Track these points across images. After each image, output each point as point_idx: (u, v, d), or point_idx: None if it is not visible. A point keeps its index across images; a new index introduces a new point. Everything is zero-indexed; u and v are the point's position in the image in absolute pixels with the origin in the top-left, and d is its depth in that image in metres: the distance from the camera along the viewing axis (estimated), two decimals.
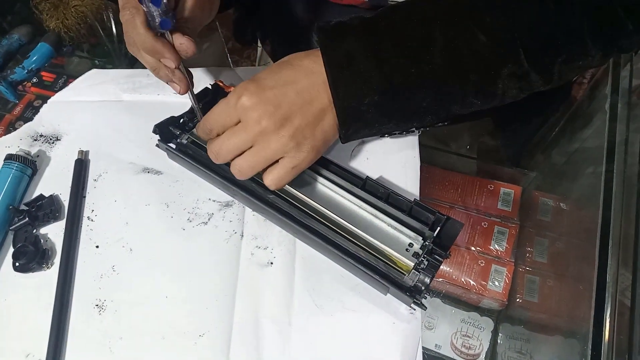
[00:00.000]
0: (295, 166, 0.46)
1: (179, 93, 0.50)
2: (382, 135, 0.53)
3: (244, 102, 0.44)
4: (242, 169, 0.46)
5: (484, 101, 0.46)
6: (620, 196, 0.56)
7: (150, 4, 0.42)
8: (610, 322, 0.49)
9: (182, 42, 0.47)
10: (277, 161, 0.46)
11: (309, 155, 0.46)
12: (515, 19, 0.43)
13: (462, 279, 0.74)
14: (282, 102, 0.45)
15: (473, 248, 0.76)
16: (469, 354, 0.72)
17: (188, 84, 0.50)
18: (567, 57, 0.45)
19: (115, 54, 0.87)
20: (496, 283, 0.72)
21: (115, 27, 0.86)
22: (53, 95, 0.65)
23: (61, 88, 0.70)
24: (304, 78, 0.46)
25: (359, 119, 0.46)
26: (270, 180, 0.47)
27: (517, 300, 0.73)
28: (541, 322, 0.72)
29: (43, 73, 0.74)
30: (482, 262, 0.74)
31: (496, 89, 0.45)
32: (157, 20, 0.44)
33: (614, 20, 0.44)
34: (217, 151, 0.46)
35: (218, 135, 0.47)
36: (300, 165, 0.46)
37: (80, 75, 0.68)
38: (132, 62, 0.89)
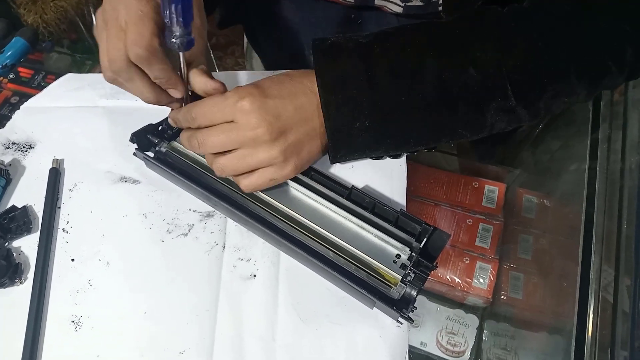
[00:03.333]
0: (274, 179, 0.47)
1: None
2: (372, 158, 0.53)
3: (245, 105, 0.44)
4: (224, 169, 0.47)
5: (472, 133, 0.48)
6: (603, 193, 0.56)
7: (180, 25, 0.41)
8: (593, 317, 0.49)
9: (215, 87, 0.46)
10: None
11: (290, 172, 0.47)
12: (505, 55, 0.44)
13: (447, 277, 0.73)
14: (282, 114, 0.45)
15: (458, 245, 0.75)
16: (454, 351, 0.73)
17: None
18: (554, 94, 0.46)
19: (96, 50, 0.84)
20: (481, 280, 0.72)
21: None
22: (30, 91, 0.63)
23: (39, 84, 0.67)
24: (303, 95, 0.46)
25: (349, 143, 0.47)
26: (246, 185, 0.47)
27: (502, 297, 0.73)
28: (526, 318, 0.72)
29: (20, 69, 0.71)
30: (467, 260, 0.74)
31: (485, 122, 0.46)
32: (182, 40, 0.42)
33: (599, 62, 0.46)
34: (202, 141, 0.46)
35: (199, 126, 0.47)
36: (278, 179, 0.47)
37: (59, 71, 0.65)
38: None
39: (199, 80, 0.46)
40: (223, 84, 0.47)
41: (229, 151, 0.46)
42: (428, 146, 0.49)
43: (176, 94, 0.47)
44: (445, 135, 0.48)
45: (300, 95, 0.46)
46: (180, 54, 0.44)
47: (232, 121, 0.45)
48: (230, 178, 0.50)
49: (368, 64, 0.45)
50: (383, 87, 0.44)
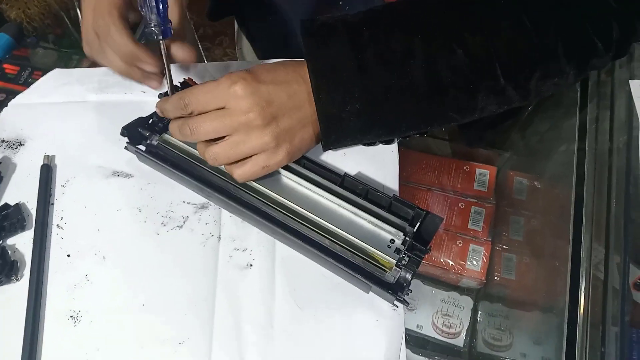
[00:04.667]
0: (266, 166, 0.47)
1: (154, 88, 0.49)
2: (365, 145, 0.54)
3: (237, 90, 0.44)
4: (217, 157, 0.46)
5: (463, 116, 0.48)
6: (592, 173, 0.57)
7: (155, 14, 0.41)
8: (584, 295, 0.50)
9: (184, 53, 0.48)
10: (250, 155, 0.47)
11: (283, 159, 0.47)
12: (493, 36, 0.44)
13: (441, 260, 0.74)
14: (274, 99, 0.45)
15: (451, 229, 0.76)
16: (450, 332, 0.73)
17: (161, 78, 0.50)
18: (543, 74, 0.46)
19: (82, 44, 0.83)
20: (474, 262, 0.73)
21: (82, 16, 0.82)
22: (17, 88, 0.62)
23: (26, 80, 0.67)
24: (296, 83, 0.46)
25: (340, 128, 0.47)
26: (240, 174, 0.47)
27: (495, 278, 0.74)
28: (519, 298, 0.73)
29: (5, 65, 0.70)
30: (460, 242, 0.75)
31: (475, 104, 0.47)
32: (158, 29, 0.42)
33: (586, 41, 0.46)
34: (194, 128, 0.46)
35: (191, 113, 0.46)
36: (271, 166, 0.47)
37: (45, 67, 0.64)
38: None
39: (174, 48, 0.48)
40: (192, 49, 0.48)
41: (221, 139, 0.46)
42: (420, 130, 0.49)
43: (150, 68, 0.47)
44: (436, 119, 0.48)
45: (293, 83, 0.46)
46: (161, 42, 0.45)
47: (224, 107, 0.45)
48: (223, 168, 0.50)
49: (358, 49, 0.45)
50: (373, 72, 0.45)
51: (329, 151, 0.55)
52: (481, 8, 0.46)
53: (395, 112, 0.47)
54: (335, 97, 0.45)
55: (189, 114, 0.46)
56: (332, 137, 0.48)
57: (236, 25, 0.91)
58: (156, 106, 0.50)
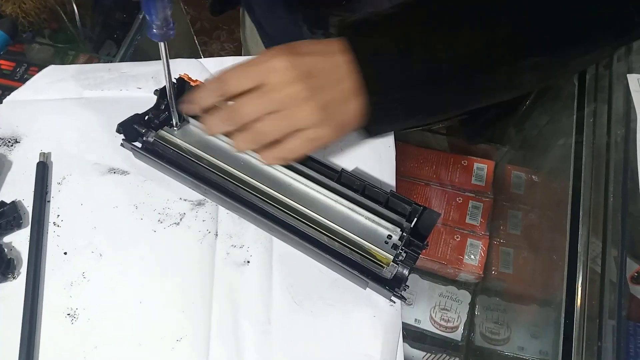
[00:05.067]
0: (315, 139, 0.45)
1: None
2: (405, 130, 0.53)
3: (275, 64, 0.43)
4: (266, 132, 0.45)
5: (508, 92, 0.48)
6: (589, 166, 0.57)
7: (157, 17, 0.41)
8: (582, 289, 0.50)
9: None
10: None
11: (333, 132, 0.45)
12: (537, 11, 0.44)
13: (439, 254, 0.74)
14: (316, 70, 0.43)
15: (449, 223, 0.76)
16: (447, 326, 0.74)
17: None
18: (583, 49, 0.46)
19: (79, 39, 0.82)
20: (472, 257, 0.73)
21: (78, 11, 0.81)
22: (13, 84, 0.62)
23: (22, 76, 0.66)
24: (333, 55, 0.44)
25: (387, 114, 0.46)
26: (289, 150, 0.45)
27: (493, 272, 0.74)
28: (516, 292, 0.74)
29: (1, 61, 0.70)
30: (457, 237, 0.75)
31: (521, 79, 0.46)
32: (160, 31, 0.42)
33: (623, 13, 0.45)
34: (238, 109, 0.44)
35: (227, 93, 0.45)
36: (320, 139, 0.45)
37: (41, 62, 0.64)
38: (97, 48, 0.85)
39: None
40: None
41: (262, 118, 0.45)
42: (464, 109, 0.49)
43: None
44: (480, 97, 0.48)
45: (330, 55, 0.44)
46: (161, 44, 0.44)
47: (263, 84, 0.43)
48: (257, 155, 0.49)
49: (400, 34, 0.43)
50: (418, 55, 0.43)
51: (326, 147, 0.55)
52: None
53: (441, 94, 0.46)
54: (381, 84, 0.44)
55: (224, 94, 0.45)
56: (378, 125, 0.47)
57: (241, 12, 0.90)
58: (187, 98, 0.48)
